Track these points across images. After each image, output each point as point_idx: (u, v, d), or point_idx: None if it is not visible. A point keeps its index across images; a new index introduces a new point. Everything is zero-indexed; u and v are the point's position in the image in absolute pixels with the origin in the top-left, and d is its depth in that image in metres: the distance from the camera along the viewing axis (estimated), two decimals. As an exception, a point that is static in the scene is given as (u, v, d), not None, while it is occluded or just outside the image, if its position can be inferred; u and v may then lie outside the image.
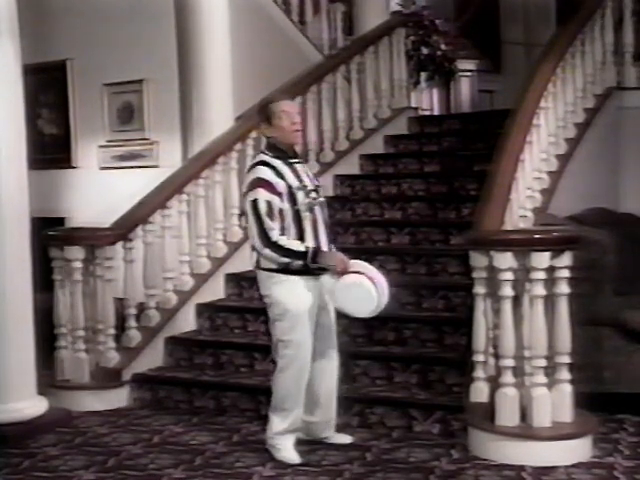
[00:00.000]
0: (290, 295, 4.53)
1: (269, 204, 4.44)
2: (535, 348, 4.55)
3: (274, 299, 4.58)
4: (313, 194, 4.59)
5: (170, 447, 4.95)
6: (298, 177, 4.58)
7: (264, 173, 4.51)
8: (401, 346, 5.65)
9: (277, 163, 4.55)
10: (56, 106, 8.09)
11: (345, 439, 4.89)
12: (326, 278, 4.59)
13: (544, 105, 5.98)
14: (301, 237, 4.51)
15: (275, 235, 4.43)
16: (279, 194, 4.47)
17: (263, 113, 4.67)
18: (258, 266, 4.63)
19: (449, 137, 7.98)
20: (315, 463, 4.60)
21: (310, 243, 4.52)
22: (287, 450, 4.64)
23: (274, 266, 4.53)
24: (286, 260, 4.46)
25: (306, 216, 4.53)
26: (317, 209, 4.60)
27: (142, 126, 7.63)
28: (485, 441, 4.64)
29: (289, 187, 4.50)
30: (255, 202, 4.46)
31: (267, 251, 4.45)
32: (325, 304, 4.66)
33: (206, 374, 5.89)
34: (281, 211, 4.48)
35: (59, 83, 8.00)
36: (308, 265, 4.48)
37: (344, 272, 4.46)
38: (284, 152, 4.60)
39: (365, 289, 4.41)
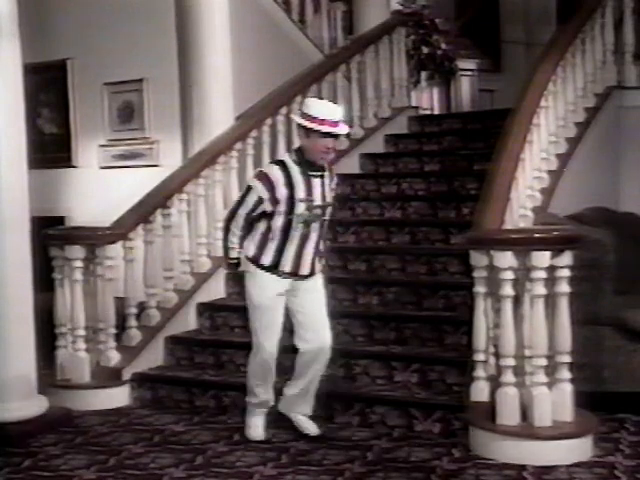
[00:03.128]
0: (255, 287, 4.73)
1: (259, 200, 4.56)
2: (535, 347, 4.55)
3: (245, 288, 4.80)
4: (317, 210, 4.60)
5: (171, 446, 4.95)
6: (309, 190, 4.57)
7: (271, 170, 4.59)
8: (401, 345, 5.64)
9: (294, 169, 4.56)
10: (56, 105, 8.10)
11: (313, 429, 4.94)
12: (303, 281, 4.70)
13: (544, 104, 5.98)
14: (282, 246, 4.61)
15: (236, 221, 4.63)
16: (275, 199, 4.54)
17: (305, 124, 4.60)
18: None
19: (449, 136, 7.97)
20: (316, 462, 4.60)
21: (290, 254, 4.62)
22: (254, 427, 4.90)
23: (250, 254, 4.70)
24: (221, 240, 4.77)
25: (298, 227, 4.58)
26: (315, 226, 4.62)
27: (142, 125, 7.64)
28: (486, 440, 4.65)
29: (291, 197, 4.51)
30: (249, 188, 4.64)
31: (220, 224, 4.69)
32: (305, 303, 4.74)
33: (207, 373, 5.89)
34: (271, 215, 4.58)
35: (59, 82, 8.00)
36: (278, 266, 4.64)
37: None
38: (307, 163, 4.59)
39: None
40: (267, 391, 4.96)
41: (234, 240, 4.71)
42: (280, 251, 4.60)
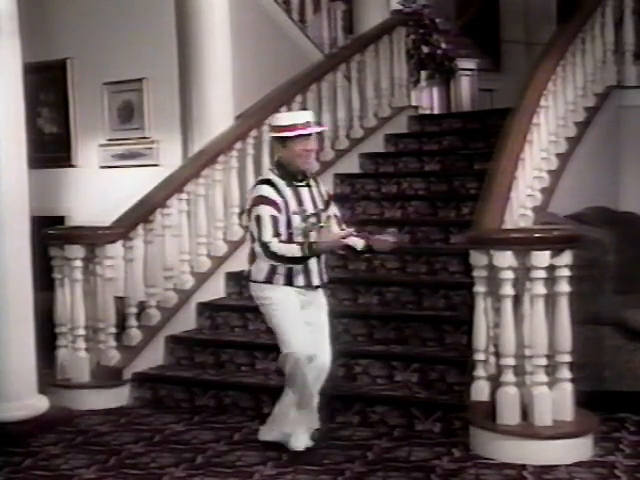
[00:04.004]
0: (278, 294, 4.60)
1: (274, 219, 4.49)
2: (536, 347, 4.55)
3: (266, 299, 4.65)
4: (312, 219, 4.61)
5: (171, 446, 4.95)
6: (299, 201, 4.59)
7: (266, 191, 4.55)
8: (402, 345, 5.65)
9: (281, 184, 4.57)
10: (56, 105, 8.09)
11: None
12: (314, 294, 4.67)
13: (544, 104, 5.98)
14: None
15: (273, 246, 4.47)
16: (279, 210, 4.52)
17: (279, 134, 4.65)
18: (248, 278, 4.73)
19: (449, 136, 7.97)
20: (316, 462, 4.60)
21: (299, 268, 4.57)
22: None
23: (261, 279, 4.62)
24: (291, 264, 4.53)
25: (298, 239, 4.55)
26: (313, 235, 4.59)
27: (142, 125, 7.63)
28: (486, 440, 4.65)
29: (287, 211, 4.53)
30: (259, 218, 4.51)
31: (272, 261, 4.52)
32: (314, 319, 4.68)
33: (207, 373, 5.89)
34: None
35: (59, 82, 7.99)
36: (292, 282, 4.58)
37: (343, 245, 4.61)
38: (291, 174, 4.61)
39: None
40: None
41: (286, 247, 4.47)
42: (290, 268, 4.57)
